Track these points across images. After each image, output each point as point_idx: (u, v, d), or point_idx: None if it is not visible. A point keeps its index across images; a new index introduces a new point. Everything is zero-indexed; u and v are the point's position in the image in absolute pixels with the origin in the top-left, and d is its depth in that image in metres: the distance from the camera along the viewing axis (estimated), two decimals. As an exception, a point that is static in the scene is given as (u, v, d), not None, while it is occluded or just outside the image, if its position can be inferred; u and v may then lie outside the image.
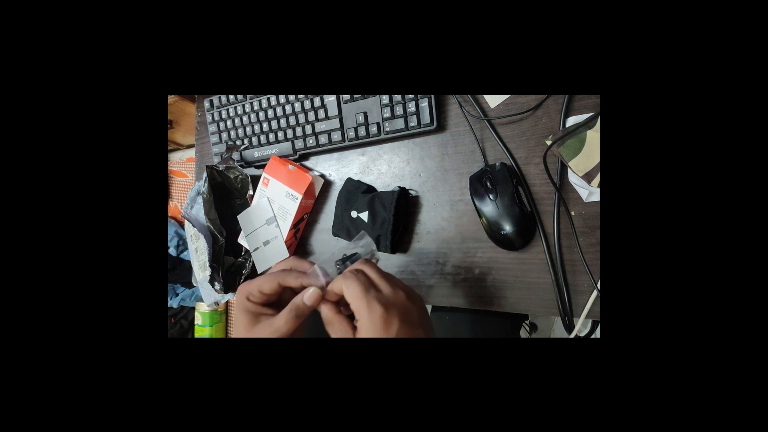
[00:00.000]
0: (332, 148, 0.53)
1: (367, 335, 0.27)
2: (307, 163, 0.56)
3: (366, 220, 0.46)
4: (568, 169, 0.40)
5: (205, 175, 0.56)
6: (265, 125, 0.55)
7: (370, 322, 0.27)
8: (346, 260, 0.32)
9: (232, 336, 0.34)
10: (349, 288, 0.29)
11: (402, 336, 0.27)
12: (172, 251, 1.26)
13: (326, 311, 0.30)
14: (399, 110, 0.46)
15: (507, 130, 0.44)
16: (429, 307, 0.58)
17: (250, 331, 0.30)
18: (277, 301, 0.32)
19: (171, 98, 0.98)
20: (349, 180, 0.51)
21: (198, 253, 0.57)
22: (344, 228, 0.49)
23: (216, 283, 0.54)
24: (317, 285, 0.31)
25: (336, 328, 0.29)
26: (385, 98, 0.47)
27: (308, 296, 0.30)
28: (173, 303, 1.25)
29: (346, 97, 0.50)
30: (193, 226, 0.56)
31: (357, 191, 0.49)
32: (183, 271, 1.25)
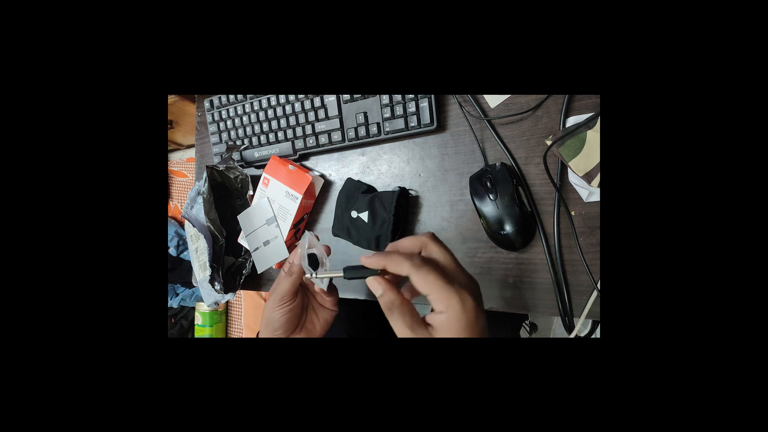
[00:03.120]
0: (332, 148, 0.53)
1: (456, 330, 0.24)
2: (307, 163, 0.56)
3: (366, 220, 0.46)
4: (568, 169, 0.40)
5: (205, 175, 0.56)
6: (265, 125, 0.55)
7: (463, 315, 0.24)
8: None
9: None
10: (426, 278, 0.25)
11: (483, 323, 0.25)
12: (172, 251, 1.26)
13: (388, 295, 0.26)
14: (399, 110, 0.46)
15: (507, 130, 0.44)
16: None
17: (271, 289, 0.36)
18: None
19: (171, 98, 0.98)
20: (349, 180, 0.51)
21: (198, 253, 0.57)
22: (344, 228, 0.49)
23: (216, 283, 0.54)
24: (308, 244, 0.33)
25: (399, 316, 0.26)
26: (385, 98, 0.47)
27: (292, 256, 0.34)
28: (173, 303, 1.26)
29: (346, 97, 0.50)
30: (193, 226, 0.56)
31: (357, 191, 0.49)
32: (183, 271, 1.25)
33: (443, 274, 0.25)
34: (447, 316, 0.25)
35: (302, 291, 0.37)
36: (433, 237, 0.28)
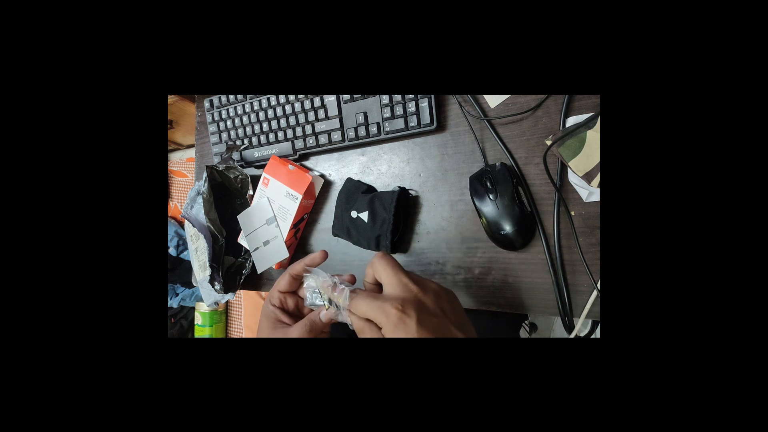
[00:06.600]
0: (332, 148, 0.53)
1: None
2: (307, 163, 0.56)
3: (366, 220, 0.46)
4: (568, 169, 0.40)
5: (205, 175, 0.56)
6: (265, 125, 0.55)
7: (390, 326, 0.27)
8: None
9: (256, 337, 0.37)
10: (358, 307, 0.29)
11: (423, 327, 0.27)
12: (172, 251, 1.26)
13: (355, 320, 0.30)
14: (399, 110, 0.46)
15: (507, 130, 0.44)
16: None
17: (270, 336, 0.34)
18: (296, 310, 0.36)
19: (171, 98, 0.98)
20: (349, 180, 0.51)
21: (198, 253, 0.57)
22: (344, 228, 0.49)
23: (216, 283, 0.54)
24: (317, 261, 0.34)
25: (367, 335, 0.29)
26: (385, 98, 0.47)
27: (324, 314, 0.33)
28: (173, 303, 1.26)
29: (346, 97, 0.50)
30: (193, 226, 0.56)
31: (357, 191, 0.49)
32: (183, 271, 1.25)
33: (370, 297, 0.29)
34: (383, 330, 0.28)
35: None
36: (378, 256, 0.30)
